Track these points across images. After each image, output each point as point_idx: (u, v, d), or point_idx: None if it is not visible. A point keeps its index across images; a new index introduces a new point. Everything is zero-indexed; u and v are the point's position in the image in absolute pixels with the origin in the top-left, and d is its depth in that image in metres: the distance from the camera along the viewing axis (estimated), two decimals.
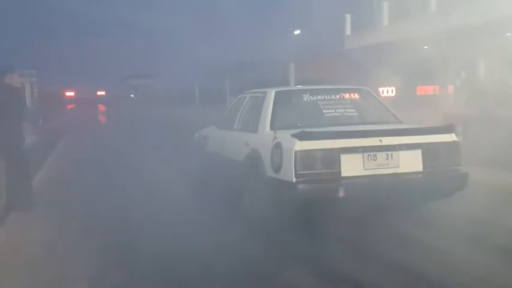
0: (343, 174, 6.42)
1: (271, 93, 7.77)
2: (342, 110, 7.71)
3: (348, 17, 24.10)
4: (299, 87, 8.77)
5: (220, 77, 40.63)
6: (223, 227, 6.95)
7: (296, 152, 6.34)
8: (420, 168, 6.67)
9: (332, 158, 6.39)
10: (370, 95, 8.31)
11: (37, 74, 38.51)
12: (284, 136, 6.71)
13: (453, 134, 6.91)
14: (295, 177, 6.34)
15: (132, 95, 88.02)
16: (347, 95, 7.96)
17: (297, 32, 46.63)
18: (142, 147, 16.22)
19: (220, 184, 8.75)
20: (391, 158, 6.60)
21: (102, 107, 64.06)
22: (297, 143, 6.39)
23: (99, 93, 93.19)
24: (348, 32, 23.97)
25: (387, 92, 17.65)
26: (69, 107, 68.81)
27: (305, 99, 7.76)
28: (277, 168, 6.64)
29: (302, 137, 6.41)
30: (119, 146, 17.02)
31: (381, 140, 6.57)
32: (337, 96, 7.88)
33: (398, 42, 17.71)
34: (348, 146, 6.47)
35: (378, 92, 16.57)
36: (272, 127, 7.29)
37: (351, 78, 21.03)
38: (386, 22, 22.68)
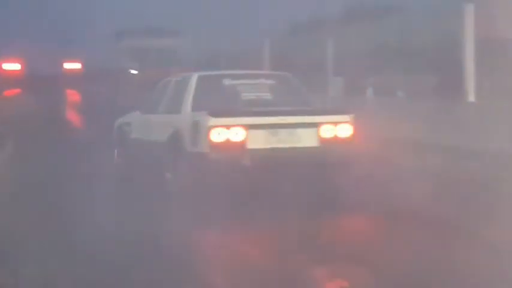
0: (249, 146, 7.71)
1: (194, 77, 8.83)
2: (258, 94, 8.86)
3: None
4: (223, 72, 9.99)
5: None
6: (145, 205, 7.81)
7: (209, 126, 7.62)
8: (316, 144, 7.98)
9: (239, 132, 7.67)
10: (289, 81, 9.44)
11: None
12: (201, 114, 7.92)
13: (346, 115, 8.21)
14: (209, 149, 7.62)
15: (134, 70, 48.23)
16: (265, 80, 9.20)
17: None
18: None
19: (145, 166, 9.62)
20: (291, 134, 7.92)
21: (73, 95, 42.63)
22: (210, 120, 7.67)
23: (68, 65, 56.63)
24: None
25: None
26: (7, 93, 42.29)
27: (226, 83, 8.89)
28: (194, 143, 7.87)
29: (215, 114, 7.69)
30: None
31: (281, 119, 7.92)
32: (256, 81, 9.11)
33: None
34: (253, 123, 7.78)
35: None
36: (193, 108, 8.37)
37: None
38: None
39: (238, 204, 7.34)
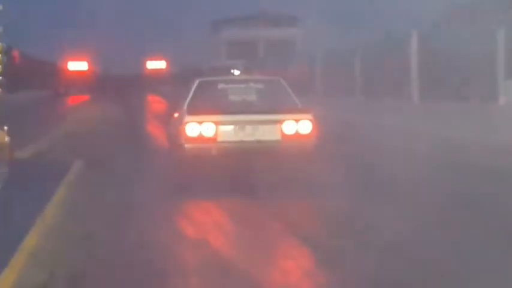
0: (218, 139, 9.41)
1: (196, 82, 10.62)
2: (244, 96, 10.48)
3: None
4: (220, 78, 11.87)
5: None
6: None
7: (185, 122, 9.44)
8: (278, 138, 9.55)
9: (210, 127, 9.39)
10: (278, 85, 10.91)
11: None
12: (184, 113, 9.79)
13: (309, 114, 9.70)
14: (184, 141, 9.44)
15: (236, 70, 37.10)
16: (254, 85, 10.79)
17: None
18: None
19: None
20: (256, 130, 9.53)
21: (156, 103, 36.01)
22: (186, 117, 9.53)
23: (150, 65, 47.89)
24: None
25: None
26: (73, 101, 36.51)
27: (219, 87, 10.64)
28: (179, 136, 9.70)
29: (190, 113, 9.57)
30: None
31: (247, 116, 9.60)
32: (245, 85, 10.73)
33: None
34: (223, 120, 9.49)
35: None
36: (188, 109, 9.96)
37: None
38: None
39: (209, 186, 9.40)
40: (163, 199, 9.33)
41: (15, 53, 39.82)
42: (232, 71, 38.65)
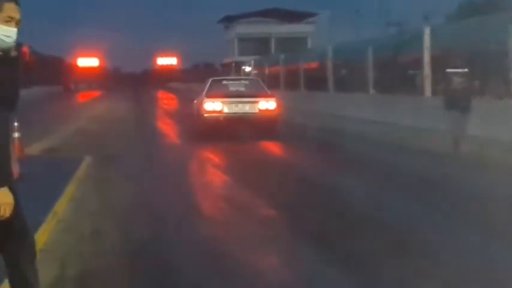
0: (223, 112, 16.14)
1: (210, 80, 17.94)
2: (238, 88, 17.48)
3: None
4: (224, 77, 20.59)
5: None
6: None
7: (205, 102, 16.34)
8: (257, 111, 16.20)
9: (218, 105, 16.16)
10: (256, 82, 19.15)
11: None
12: (204, 97, 16.70)
13: (274, 98, 16.58)
14: (204, 113, 16.26)
15: (247, 66, 38.39)
16: (243, 81, 18.66)
17: None
18: None
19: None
20: (244, 106, 16.22)
21: (167, 100, 37.85)
22: (205, 99, 16.50)
23: (161, 61, 47.13)
24: None
25: None
26: (83, 97, 36.34)
27: (223, 82, 17.95)
28: (200, 110, 16.49)
29: (207, 96, 16.57)
30: None
31: (239, 99, 16.39)
32: (238, 82, 18.38)
33: None
34: (225, 100, 16.24)
35: None
36: (206, 94, 16.85)
37: None
38: None
39: (217, 137, 15.53)
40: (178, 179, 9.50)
41: (25, 49, 39.86)
42: (243, 67, 41.45)
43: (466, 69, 12.58)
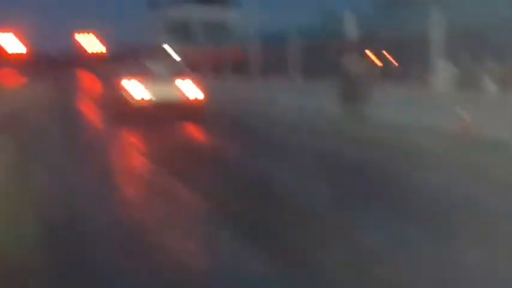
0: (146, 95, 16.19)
1: (130, 61, 18.88)
2: (159, 67, 17.32)
3: None
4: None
5: None
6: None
7: (123, 82, 16.38)
8: (178, 93, 16.27)
9: (137, 84, 16.20)
10: (178, 63, 19.79)
11: None
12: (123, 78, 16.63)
13: (196, 80, 16.73)
14: (123, 92, 16.13)
15: (170, 50, 33.93)
16: (164, 62, 18.64)
17: None
18: None
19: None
20: (165, 88, 16.34)
21: (91, 82, 36.94)
22: (124, 80, 16.49)
23: (90, 48, 47.43)
24: None
25: None
26: (7, 80, 34.40)
27: (144, 63, 17.45)
28: (121, 91, 16.35)
29: (127, 78, 16.42)
30: None
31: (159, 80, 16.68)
32: (159, 63, 18.04)
33: None
34: (144, 80, 16.18)
35: None
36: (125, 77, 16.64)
37: None
38: None
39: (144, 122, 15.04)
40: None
41: None
42: (166, 50, 39.65)
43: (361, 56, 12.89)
